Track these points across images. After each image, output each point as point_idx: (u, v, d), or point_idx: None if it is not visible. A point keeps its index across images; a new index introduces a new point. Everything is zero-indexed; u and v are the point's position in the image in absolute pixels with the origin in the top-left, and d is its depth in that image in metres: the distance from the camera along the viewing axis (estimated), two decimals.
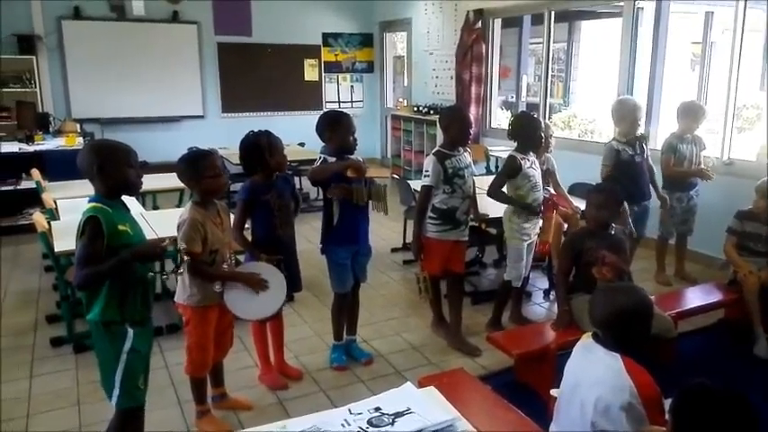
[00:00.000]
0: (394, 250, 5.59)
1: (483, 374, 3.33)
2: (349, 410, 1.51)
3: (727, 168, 4.91)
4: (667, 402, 1.64)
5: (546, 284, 4.67)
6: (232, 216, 3.02)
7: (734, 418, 1.38)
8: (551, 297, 4.53)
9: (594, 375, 1.87)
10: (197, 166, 2.66)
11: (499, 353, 3.29)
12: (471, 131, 3.66)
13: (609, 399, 1.78)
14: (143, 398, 2.41)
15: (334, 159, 3.23)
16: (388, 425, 1.44)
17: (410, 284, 4.81)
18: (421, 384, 2.20)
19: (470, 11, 7.61)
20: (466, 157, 3.63)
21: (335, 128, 3.24)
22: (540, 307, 4.42)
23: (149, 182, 4.61)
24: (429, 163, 3.53)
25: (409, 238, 5.51)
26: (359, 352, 3.58)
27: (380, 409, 1.51)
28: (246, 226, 3.12)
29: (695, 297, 3.86)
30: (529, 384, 3.11)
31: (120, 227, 2.21)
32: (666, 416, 1.58)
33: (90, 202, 2.23)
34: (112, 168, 2.22)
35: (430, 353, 3.66)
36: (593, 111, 9.41)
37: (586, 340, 2.00)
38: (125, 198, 2.38)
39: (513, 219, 3.71)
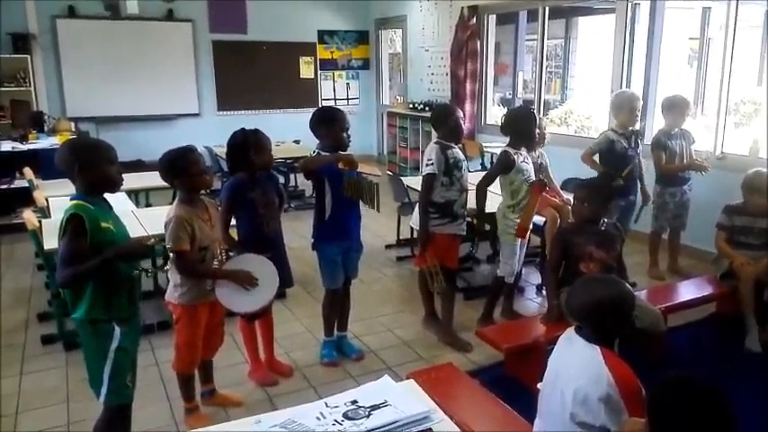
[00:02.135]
0: (388, 246, 5.58)
1: (473, 369, 3.32)
2: (325, 404, 1.51)
3: (720, 163, 4.90)
4: None
5: (538, 280, 4.67)
6: None
7: (708, 408, 1.37)
8: (544, 292, 4.53)
9: (574, 367, 1.87)
10: (180, 164, 2.63)
11: (490, 348, 3.30)
12: (463, 128, 3.65)
13: (588, 390, 1.78)
14: (130, 395, 2.41)
15: (327, 155, 3.23)
16: (363, 417, 1.43)
17: (403, 281, 4.81)
18: (408, 379, 2.19)
19: (465, 7, 7.60)
20: (459, 152, 3.63)
21: (329, 124, 3.23)
22: (533, 302, 4.42)
23: (144, 180, 4.67)
24: (431, 151, 3.51)
25: (403, 235, 5.55)
26: (350, 348, 3.58)
27: (357, 402, 1.51)
28: (232, 224, 3.12)
29: (687, 291, 3.87)
30: (518, 378, 3.11)
31: (103, 224, 2.20)
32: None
33: (72, 200, 2.22)
34: (92, 166, 2.21)
35: (421, 348, 3.66)
36: (590, 107, 9.39)
37: (569, 332, 2.00)
38: (115, 196, 2.38)
39: (508, 215, 3.70)
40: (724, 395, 1.38)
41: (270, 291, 2.90)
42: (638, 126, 4.55)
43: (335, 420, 1.43)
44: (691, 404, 1.38)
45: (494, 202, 3.80)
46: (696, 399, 1.38)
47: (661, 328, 3.19)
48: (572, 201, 3.32)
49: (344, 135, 3.23)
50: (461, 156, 3.60)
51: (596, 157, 4.44)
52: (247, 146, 3.00)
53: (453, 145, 3.56)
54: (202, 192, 2.80)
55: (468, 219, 3.98)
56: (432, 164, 3.47)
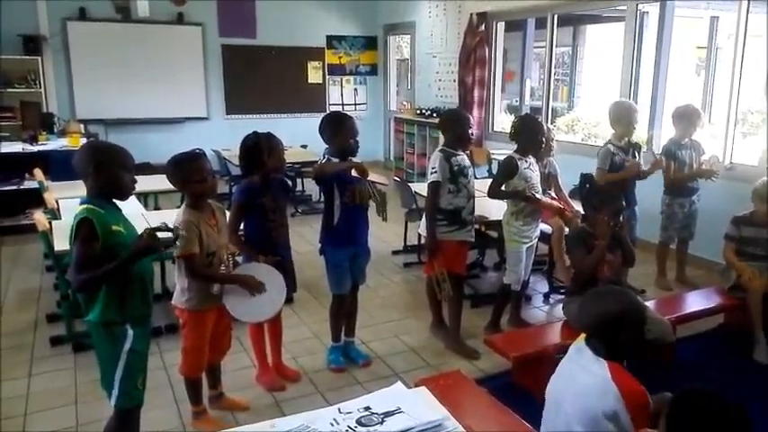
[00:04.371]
0: (395, 252, 5.58)
1: (480, 377, 3.32)
2: (339, 409, 1.51)
3: (729, 173, 4.88)
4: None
5: (546, 288, 4.66)
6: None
7: (728, 423, 1.36)
8: (551, 300, 4.53)
9: (581, 381, 1.84)
10: (183, 170, 2.64)
11: (498, 356, 3.29)
12: (471, 133, 3.66)
13: (594, 406, 1.75)
14: (141, 398, 2.41)
15: (337, 160, 3.24)
16: (377, 424, 1.44)
17: (410, 287, 4.81)
18: (417, 386, 2.19)
19: (474, 14, 7.62)
20: (465, 158, 3.63)
21: (337, 129, 3.24)
22: (540, 310, 4.41)
23: (152, 182, 4.69)
24: (435, 160, 3.52)
25: (410, 241, 5.55)
26: (357, 353, 3.58)
27: (370, 408, 1.51)
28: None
29: (695, 302, 3.85)
30: (526, 387, 3.10)
31: (114, 227, 2.21)
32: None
33: (81, 204, 2.22)
34: (108, 170, 2.21)
35: (428, 355, 3.66)
36: (597, 114, 9.39)
37: (579, 343, 1.98)
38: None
39: (512, 222, 3.70)
40: (743, 410, 1.37)
41: (278, 301, 2.92)
42: (634, 137, 4.54)
43: (349, 426, 1.44)
44: (709, 417, 1.37)
45: (500, 209, 3.80)
46: (715, 412, 1.37)
47: (670, 339, 3.18)
48: (581, 209, 3.31)
49: (352, 141, 3.25)
50: (467, 162, 3.59)
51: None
52: (260, 148, 3.01)
53: (458, 152, 3.57)
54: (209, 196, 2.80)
55: (477, 226, 3.99)
56: (436, 172, 3.48)
